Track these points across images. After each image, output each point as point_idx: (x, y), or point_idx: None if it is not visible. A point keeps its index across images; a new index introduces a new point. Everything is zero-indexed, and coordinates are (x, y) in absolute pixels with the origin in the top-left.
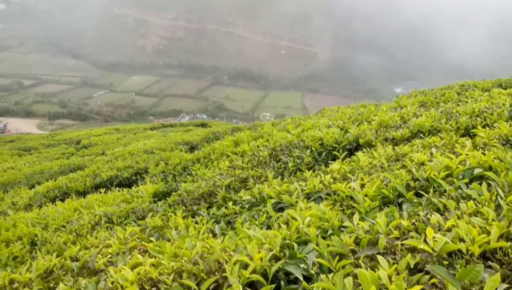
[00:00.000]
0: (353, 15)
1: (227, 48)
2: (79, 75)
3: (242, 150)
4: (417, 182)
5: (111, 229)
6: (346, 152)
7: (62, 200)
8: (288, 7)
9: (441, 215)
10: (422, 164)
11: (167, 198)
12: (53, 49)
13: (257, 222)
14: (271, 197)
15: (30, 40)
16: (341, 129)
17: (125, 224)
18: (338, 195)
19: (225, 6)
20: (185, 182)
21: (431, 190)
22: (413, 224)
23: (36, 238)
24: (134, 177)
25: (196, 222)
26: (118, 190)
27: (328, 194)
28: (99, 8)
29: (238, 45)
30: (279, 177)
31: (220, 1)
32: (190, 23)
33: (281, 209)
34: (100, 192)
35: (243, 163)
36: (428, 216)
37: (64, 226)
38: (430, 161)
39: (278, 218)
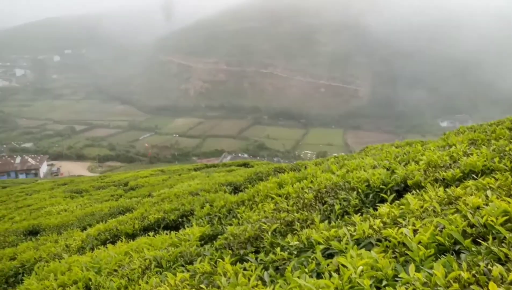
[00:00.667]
0: (394, 51)
1: (267, 89)
2: (126, 119)
3: (286, 192)
4: (473, 228)
5: (160, 274)
6: (394, 194)
7: (113, 243)
8: (326, 47)
9: (503, 265)
10: (478, 208)
11: (214, 241)
12: (103, 95)
13: (306, 270)
14: (319, 243)
15: (82, 88)
16: (388, 170)
17: (174, 269)
18: (389, 241)
19: (264, 49)
20: (231, 225)
21: (490, 237)
22: (474, 276)
23: (90, 282)
24: (180, 219)
25: (245, 268)
26: (166, 233)
27: (378, 240)
28: (146, 56)
29: (278, 85)
30: (326, 220)
31: (259, 44)
32: (231, 66)
33: (330, 256)
34: (149, 235)
35: (288, 205)
36: (489, 267)
37: (116, 270)
38: (486, 205)
39: (328, 265)
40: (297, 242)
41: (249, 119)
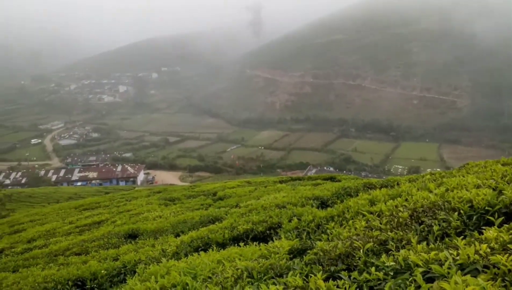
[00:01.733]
0: (502, 60)
1: (354, 101)
2: (215, 132)
3: (379, 209)
4: None
5: (252, 284)
6: (502, 217)
7: (204, 250)
8: (420, 57)
9: None
10: None
11: (303, 256)
12: (194, 109)
13: None
14: (418, 265)
15: (176, 102)
16: (494, 190)
17: (265, 280)
18: (498, 269)
19: (351, 61)
20: (320, 240)
21: None
22: None
23: (187, 287)
24: (268, 231)
25: (337, 286)
26: (255, 244)
27: (485, 267)
28: (234, 72)
29: (366, 97)
30: (423, 242)
31: (347, 56)
32: (317, 79)
33: (431, 280)
34: (239, 245)
35: (380, 224)
36: None
37: (210, 277)
38: None
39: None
40: (393, 263)
41: (336, 132)
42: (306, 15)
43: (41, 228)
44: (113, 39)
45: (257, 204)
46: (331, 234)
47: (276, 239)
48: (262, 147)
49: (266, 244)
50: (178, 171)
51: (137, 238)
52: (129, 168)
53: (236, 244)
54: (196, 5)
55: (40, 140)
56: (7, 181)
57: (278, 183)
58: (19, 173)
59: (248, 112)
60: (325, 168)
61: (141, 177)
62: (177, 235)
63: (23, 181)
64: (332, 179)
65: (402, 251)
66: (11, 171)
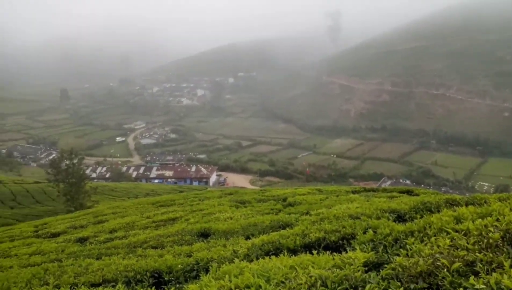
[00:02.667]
0: None
1: (437, 111)
2: (287, 137)
3: (465, 228)
4: None
5: None
6: None
7: (275, 255)
8: None
9: None
10: None
11: (379, 269)
12: (268, 114)
13: None
14: None
15: (250, 107)
16: None
17: None
18: None
19: (435, 69)
20: (398, 255)
21: None
22: None
23: (260, 289)
24: (341, 242)
25: None
26: (328, 254)
27: None
28: (309, 78)
29: (450, 107)
30: None
31: (430, 64)
32: (396, 86)
33: None
34: (312, 253)
35: (467, 243)
36: None
37: (283, 282)
38: None
39: None
40: (484, 286)
41: (414, 143)
42: (389, 21)
43: (121, 220)
44: (195, 45)
45: (329, 213)
46: (410, 250)
47: (349, 250)
48: (334, 155)
49: (339, 254)
50: (249, 174)
51: (209, 237)
52: (202, 169)
53: (307, 252)
54: (276, 11)
55: (124, 139)
56: (94, 175)
57: (350, 193)
58: (104, 168)
59: (322, 119)
60: (401, 180)
61: (213, 178)
62: (248, 238)
63: (107, 175)
64: (409, 192)
65: (494, 275)
66: (97, 166)
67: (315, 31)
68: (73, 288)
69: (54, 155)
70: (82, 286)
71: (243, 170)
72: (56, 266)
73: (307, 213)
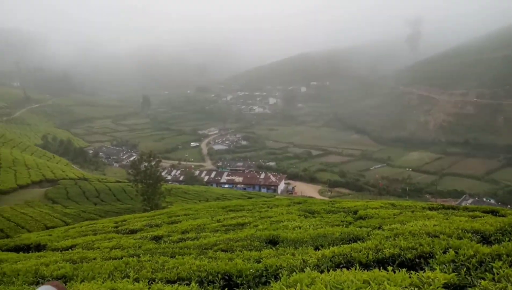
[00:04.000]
0: None
1: None
2: (359, 148)
3: None
4: None
5: None
6: None
7: (346, 268)
8: None
9: None
10: None
11: None
12: (340, 124)
13: None
14: None
15: (322, 116)
16: None
17: None
18: None
19: None
20: (483, 279)
21: None
22: None
23: None
24: (417, 260)
25: None
26: (404, 272)
27: None
28: (385, 88)
29: None
30: None
31: None
32: (483, 98)
33: None
34: (385, 269)
35: None
36: None
37: None
38: None
39: None
40: None
41: (501, 159)
42: (474, 27)
43: (193, 222)
44: (269, 55)
45: (404, 229)
46: (497, 274)
47: (427, 270)
48: (410, 169)
49: (416, 273)
50: (318, 184)
51: (277, 245)
52: (271, 176)
53: (380, 267)
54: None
55: (198, 144)
56: (168, 177)
57: (427, 210)
58: (178, 171)
59: (397, 130)
60: (484, 199)
61: (281, 186)
62: (317, 248)
63: (181, 178)
64: (494, 212)
65: None
66: (172, 169)
67: (393, 40)
68: (151, 282)
69: (134, 157)
70: (159, 282)
71: (312, 180)
72: (135, 260)
73: (379, 228)
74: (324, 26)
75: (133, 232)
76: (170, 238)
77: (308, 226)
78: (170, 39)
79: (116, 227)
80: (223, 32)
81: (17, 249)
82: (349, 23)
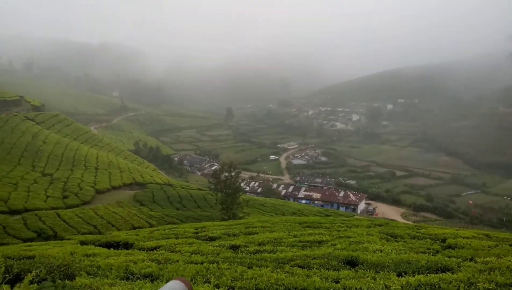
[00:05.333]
0: None
1: None
2: (450, 172)
3: None
4: None
5: None
6: None
7: None
8: None
9: None
10: None
11: None
12: (428, 145)
13: None
14: None
15: (408, 135)
16: None
17: None
18: None
19: None
20: None
21: None
22: None
23: None
24: None
25: None
26: None
27: None
28: (483, 108)
29: None
30: None
31: None
32: None
33: None
34: None
35: None
36: None
37: None
38: None
39: None
40: None
41: None
42: None
43: (270, 235)
44: (355, 70)
45: (501, 264)
46: None
47: None
48: (509, 198)
49: None
50: (401, 207)
51: (356, 267)
52: (351, 195)
53: None
54: (449, 35)
55: (277, 157)
56: (247, 188)
57: None
58: (257, 183)
59: (496, 154)
60: None
61: (361, 206)
62: (400, 275)
63: (258, 190)
64: None
65: None
66: (251, 180)
67: (492, 57)
68: None
69: (216, 167)
70: None
71: (395, 202)
72: (215, 267)
73: (471, 260)
74: (417, 41)
75: (212, 239)
76: (247, 248)
77: (390, 250)
78: (255, 53)
79: (196, 233)
80: (308, 46)
81: (108, 245)
82: (445, 38)
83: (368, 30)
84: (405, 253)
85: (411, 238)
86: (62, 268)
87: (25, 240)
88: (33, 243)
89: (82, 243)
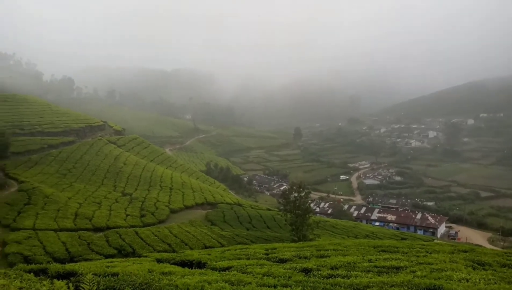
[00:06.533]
0: None
1: None
2: None
3: None
4: None
5: None
6: None
7: None
8: None
9: None
10: None
11: None
12: None
13: None
14: None
15: (493, 153)
16: None
17: None
18: None
19: None
20: None
21: None
22: None
23: None
24: None
25: None
26: None
27: None
28: None
29: None
30: None
31: None
32: None
33: None
34: None
35: None
36: None
37: None
38: None
39: None
40: None
41: None
42: None
43: (343, 258)
44: (431, 84)
45: None
46: None
47: None
48: None
49: None
50: (487, 231)
51: None
52: (429, 217)
53: None
54: None
55: (347, 177)
56: (317, 209)
57: None
58: (327, 204)
59: None
60: None
61: (441, 229)
62: None
63: (329, 211)
64: None
65: None
66: (320, 201)
67: None
68: None
69: (284, 187)
70: None
71: (480, 225)
72: None
73: None
74: (499, 51)
75: (282, 261)
76: (320, 272)
77: (477, 280)
78: (322, 71)
79: (267, 254)
80: (378, 61)
81: (182, 263)
82: None
83: (442, 40)
84: (495, 283)
85: (501, 267)
86: (144, 287)
87: (107, 256)
88: (114, 259)
89: (158, 261)
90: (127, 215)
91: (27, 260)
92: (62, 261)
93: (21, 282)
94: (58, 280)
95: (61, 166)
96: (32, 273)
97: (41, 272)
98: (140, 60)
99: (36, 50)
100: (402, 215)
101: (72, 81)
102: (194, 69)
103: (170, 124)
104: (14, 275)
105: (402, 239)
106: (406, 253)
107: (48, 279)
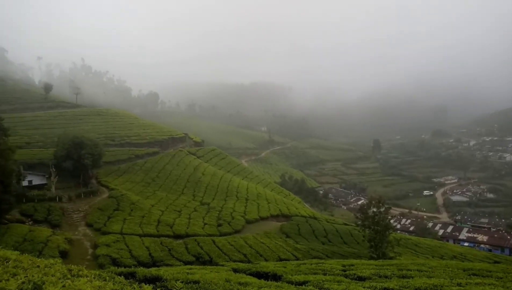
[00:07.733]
0: None
1: None
2: None
3: None
4: None
5: None
6: None
7: None
8: None
9: None
10: None
11: None
12: None
13: None
14: None
15: None
16: None
17: None
18: None
19: None
20: None
21: None
22: None
23: None
24: None
25: None
26: None
27: None
28: None
29: None
30: None
31: None
32: None
33: None
34: None
35: None
36: None
37: None
38: None
39: None
40: None
41: None
42: None
43: (428, 280)
44: None
45: None
46: None
47: None
48: None
49: None
50: None
51: None
52: None
53: None
54: None
55: (431, 193)
56: (398, 226)
57: None
58: (409, 221)
59: None
60: None
61: None
62: None
63: (411, 228)
64: None
65: None
66: (401, 217)
67: None
68: None
69: (362, 201)
70: None
71: None
72: None
73: None
74: None
75: (361, 279)
76: None
77: None
78: (401, 82)
79: (344, 270)
80: (465, 70)
81: (257, 275)
82: None
83: None
84: None
85: None
86: None
87: (186, 263)
88: (193, 266)
89: (235, 270)
90: (205, 224)
91: (114, 262)
92: (145, 265)
93: (113, 284)
94: (146, 284)
95: (146, 175)
96: (122, 276)
97: (130, 275)
98: (220, 74)
99: (126, 68)
100: (496, 235)
101: (157, 95)
102: (270, 82)
103: (246, 136)
104: (108, 277)
105: (496, 262)
106: (501, 278)
107: (137, 282)
